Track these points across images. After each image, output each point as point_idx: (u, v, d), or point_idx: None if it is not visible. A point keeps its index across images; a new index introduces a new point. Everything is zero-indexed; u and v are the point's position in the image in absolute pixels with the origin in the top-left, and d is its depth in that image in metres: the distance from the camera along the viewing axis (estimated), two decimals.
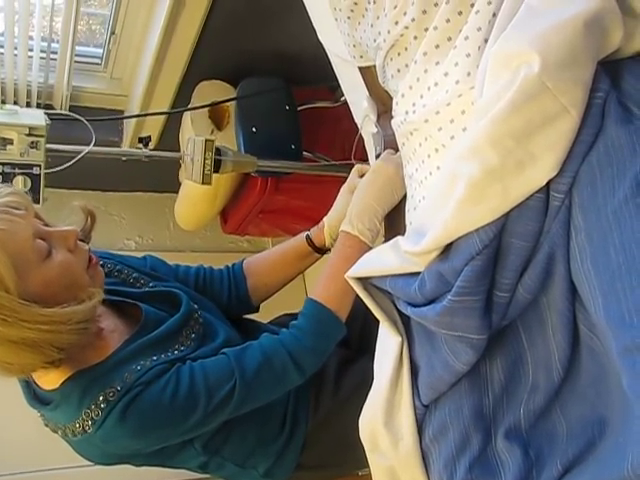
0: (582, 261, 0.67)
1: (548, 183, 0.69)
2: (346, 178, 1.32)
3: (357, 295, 0.98)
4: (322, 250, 1.36)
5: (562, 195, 0.69)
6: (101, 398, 0.98)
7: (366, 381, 1.14)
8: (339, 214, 1.29)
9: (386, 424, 0.92)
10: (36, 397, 1.07)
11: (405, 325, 0.95)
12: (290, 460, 1.23)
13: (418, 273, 0.83)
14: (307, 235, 1.36)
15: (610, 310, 0.62)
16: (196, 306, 1.19)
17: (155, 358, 1.05)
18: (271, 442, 1.21)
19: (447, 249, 0.78)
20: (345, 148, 2.47)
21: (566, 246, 0.70)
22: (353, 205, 1.20)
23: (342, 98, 2.32)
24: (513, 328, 0.81)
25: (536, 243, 0.72)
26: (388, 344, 0.93)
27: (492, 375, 0.83)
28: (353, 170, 1.31)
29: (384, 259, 0.89)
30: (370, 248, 1.16)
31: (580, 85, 0.67)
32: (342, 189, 1.32)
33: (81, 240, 1.07)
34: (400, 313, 0.94)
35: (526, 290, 0.75)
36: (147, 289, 1.20)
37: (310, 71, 2.31)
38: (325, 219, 1.34)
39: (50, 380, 1.03)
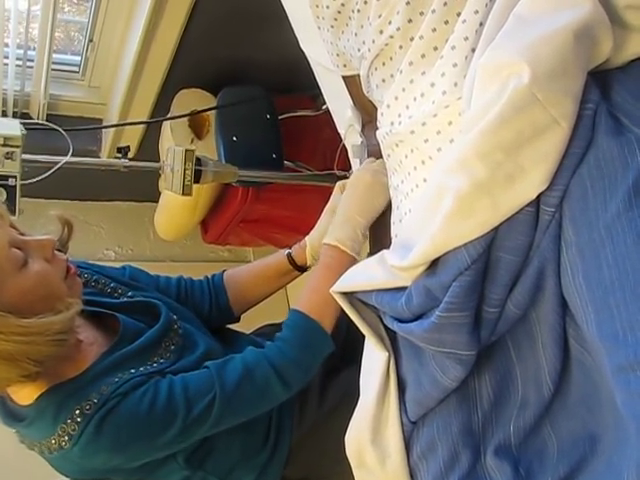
0: (573, 276, 0.65)
1: (538, 196, 0.68)
2: (327, 188, 1.30)
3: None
4: (303, 268, 1.35)
5: (552, 209, 0.67)
6: (77, 412, 0.95)
7: (351, 392, 1.12)
8: (321, 234, 1.28)
9: (373, 441, 0.91)
10: (10, 414, 1.04)
11: (391, 340, 0.93)
12: (274, 473, 1.21)
13: (405, 288, 0.82)
14: (289, 252, 1.35)
15: (603, 327, 0.61)
16: (175, 317, 1.16)
17: (133, 371, 1.02)
18: (255, 455, 1.18)
19: (434, 264, 0.77)
20: (326, 156, 2.46)
21: (557, 260, 0.68)
22: (335, 218, 1.19)
23: (324, 107, 2.31)
24: (502, 343, 0.80)
25: (526, 257, 0.71)
26: (374, 360, 0.91)
27: (481, 391, 0.82)
28: (335, 189, 1.30)
29: (370, 273, 0.88)
30: (352, 258, 1.15)
31: (570, 96, 0.65)
32: (325, 209, 1.31)
33: (58, 250, 1.05)
34: (386, 328, 0.93)
35: (516, 305, 0.73)
36: (125, 299, 1.17)
37: (291, 79, 2.31)
38: (307, 238, 1.33)
39: (25, 395, 1.00)
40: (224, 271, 1.39)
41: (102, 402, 0.95)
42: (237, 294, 1.36)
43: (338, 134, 1.35)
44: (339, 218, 1.18)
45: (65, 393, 0.98)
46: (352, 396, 0.96)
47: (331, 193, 1.32)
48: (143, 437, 0.99)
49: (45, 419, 0.97)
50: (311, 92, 2.42)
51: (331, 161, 2.47)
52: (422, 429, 0.87)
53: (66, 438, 0.95)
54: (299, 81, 2.13)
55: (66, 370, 1.00)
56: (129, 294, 1.18)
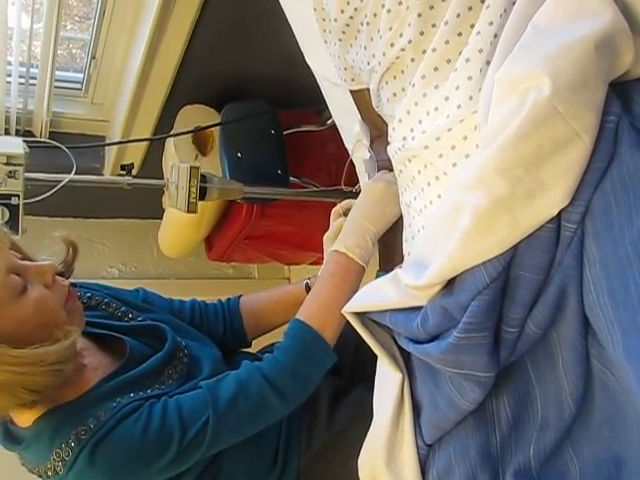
0: (597, 295, 0.63)
1: (559, 213, 0.66)
2: (333, 204, 1.28)
3: (348, 322, 0.95)
4: None
5: (574, 225, 0.65)
6: (72, 437, 0.92)
7: (361, 413, 1.08)
8: None
9: (388, 464, 0.88)
10: (10, 436, 1.02)
11: (405, 361, 0.91)
12: None
13: (420, 307, 0.79)
14: (307, 282, 1.34)
15: (630, 347, 0.59)
16: (183, 343, 1.14)
17: (132, 395, 1.00)
18: (262, 479, 1.15)
19: (451, 283, 0.74)
20: (331, 172, 2.45)
21: (579, 278, 0.66)
22: (345, 225, 1.17)
23: (328, 121, 2.30)
24: (520, 364, 0.77)
25: (547, 276, 0.69)
26: (388, 381, 0.89)
27: (499, 413, 0.80)
28: (332, 215, 1.27)
29: (383, 293, 0.85)
30: (360, 266, 1.12)
31: (592, 109, 0.63)
32: (325, 237, 1.27)
33: (61, 274, 1.03)
34: (400, 348, 0.90)
35: (536, 325, 0.71)
36: (134, 323, 1.15)
37: (295, 95, 2.30)
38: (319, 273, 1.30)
39: (25, 418, 0.98)
40: (240, 296, 1.38)
41: (98, 428, 0.93)
42: (252, 320, 1.35)
43: (343, 149, 1.33)
44: (349, 225, 1.15)
45: (62, 417, 0.96)
46: (362, 417, 0.94)
47: None
48: (138, 463, 0.96)
49: (41, 443, 0.95)
50: (315, 107, 2.41)
51: (336, 176, 2.46)
52: (438, 452, 0.85)
53: (61, 464, 0.93)
54: (303, 96, 2.12)
55: (66, 393, 0.98)
56: (139, 318, 1.16)
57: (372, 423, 0.92)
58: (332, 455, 1.19)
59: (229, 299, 1.37)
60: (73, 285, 1.09)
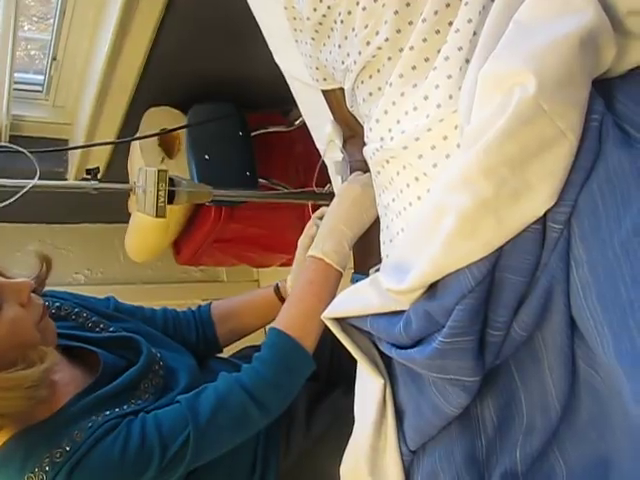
0: (586, 296, 0.62)
1: (545, 213, 0.65)
2: (302, 205, 1.26)
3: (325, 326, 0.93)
4: None
5: (560, 225, 0.64)
6: (47, 460, 0.88)
7: (339, 417, 1.07)
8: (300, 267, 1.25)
9: (371, 472, 0.87)
10: None
11: (386, 366, 0.89)
12: None
13: (402, 312, 0.78)
14: (276, 285, 1.34)
15: (622, 349, 0.58)
16: (159, 355, 1.11)
17: (108, 413, 0.96)
18: None
19: (434, 286, 0.73)
20: (299, 173, 2.44)
21: (566, 280, 0.65)
22: (320, 229, 1.15)
23: (296, 122, 2.29)
24: (504, 366, 0.76)
25: (532, 278, 0.67)
26: (369, 388, 0.87)
27: (484, 416, 0.79)
28: (310, 221, 1.26)
29: (363, 297, 0.83)
30: (338, 272, 1.11)
31: (577, 107, 0.62)
32: (299, 242, 1.27)
33: (34, 290, 0.99)
34: (381, 353, 0.88)
35: (521, 327, 0.70)
36: (107, 334, 1.11)
37: (262, 95, 2.28)
38: (289, 276, 1.31)
39: None
40: (211, 303, 1.37)
41: (74, 450, 0.89)
42: (225, 326, 1.34)
43: (311, 150, 1.31)
44: (325, 229, 1.13)
45: (34, 438, 0.91)
46: (340, 421, 0.93)
47: (306, 210, 1.28)
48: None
49: (12, 466, 0.91)
50: (283, 108, 2.40)
51: (305, 177, 2.46)
52: (423, 458, 0.84)
53: None
54: (270, 97, 2.11)
55: (38, 412, 0.94)
56: (111, 329, 1.13)
57: (354, 430, 0.91)
58: (311, 461, 1.18)
59: (200, 307, 1.36)
60: (43, 295, 1.06)
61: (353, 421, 0.92)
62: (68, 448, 0.89)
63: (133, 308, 1.28)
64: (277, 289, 1.33)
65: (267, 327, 1.15)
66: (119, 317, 1.19)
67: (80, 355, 1.07)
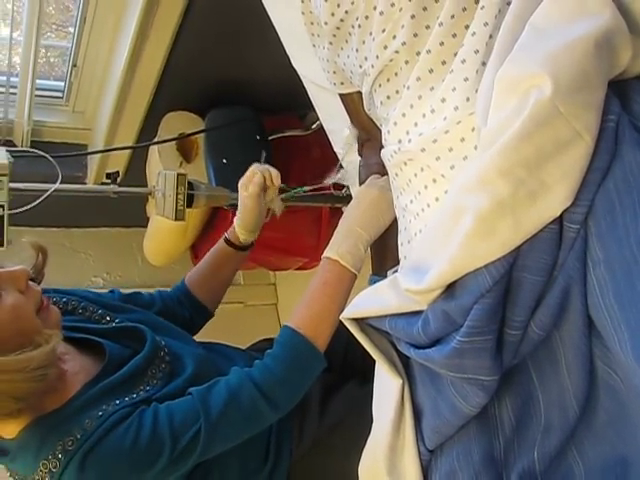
0: (603, 295, 0.62)
1: (562, 213, 0.65)
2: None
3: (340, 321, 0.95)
4: (244, 247, 1.43)
5: (577, 225, 0.65)
6: (59, 448, 0.91)
7: (352, 408, 1.08)
8: (244, 207, 1.35)
9: (389, 472, 0.87)
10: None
11: (404, 366, 0.90)
12: None
13: (420, 312, 0.78)
14: (225, 237, 1.43)
15: (639, 347, 0.58)
16: (163, 342, 1.13)
17: (118, 402, 0.98)
18: (253, 476, 1.14)
19: (452, 286, 0.74)
20: (316, 176, 2.44)
21: (583, 279, 0.65)
22: (337, 231, 1.16)
23: (313, 126, 2.30)
24: (522, 366, 0.76)
25: (550, 277, 0.68)
26: (388, 387, 0.88)
27: (502, 416, 0.79)
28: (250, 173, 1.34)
29: (382, 298, 0.84)
30: (352, 274, 1.12)
31: (593, 108, 0.63)
32: (239, 184, 1.36)
33: (32, 279, 1.02)
34: (399, 353, 0.89)
35: (539, 327, 0.71)
36: (112, 325, 1.15)
37: (279, 99, 2.29)
38: (235, 218, 1.40)
39: (10, 430, 0.97)
40: (183, 279, 1.45)
41: (85, 438, 0.92)
42: (204, 290, 1.42)
43: (329, 153, 1.33)
44: (342, 231, 1.15)
45: (48, 427, 0.94)
46: (354, 412, 0.93)
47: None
48: (129, 473, 0.94)
49: (27, 454, 0.94)
50: (299, 111, 2.40)
51: (320, 180, 2.46)
52: (441, 458, 0.84)
53: (48, 475, 0.91)
54: (287, 101, 2.12)
55: (49, 402, 0.97)
56: (117, 320, 1.16)
57: (372, 430, 0.91)
58: (324, 451, 1.19)
59: (176, 285, 1.43)
60: (47, 291, 1.09)
61: (367, 412, 0.94)
62: (79, 436, 0.92)
63: (137, 295, 1.34)
64: (227, 240, 1.42)
65: (281, 324, 1.16)
66: (125, 308, 1.22)
67: (88, 346, 1.10)
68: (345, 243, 1.12)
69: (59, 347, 1.01)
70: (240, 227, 1.38)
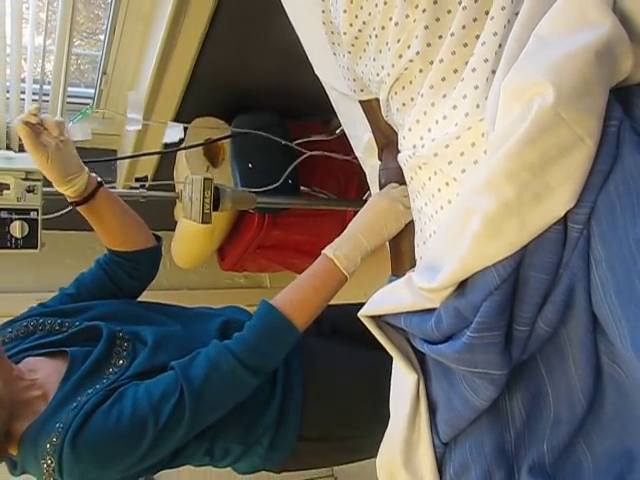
0: (605, 293, 0.65)
1: (565, 214, 0.68)
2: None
3: None
4: (87, 196, 1.35)
5: (580, 226, 0.68)
6: (49, 447, 0.98)
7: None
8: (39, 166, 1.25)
9: (405, 464, 0.90)
10: (13, 465, 1.08)
11: (420, 362, 0.93)
12: (291, 428, 1.24)
13: (433, 309, 0.82)
14: (70, 202, 1.35)
15: (638, 342, 0.61)
16: (118, 327, 1.19)
17: (90, 391, 1.05)
18: (266, 405, 1.22)
19: (463, 284, 0.77)
20: (340, 180, 2.47)
21: (587, 277, 0.68)
22: (343, 233, 1.20)
23: (337, 131, 2.33)
24: (532, 361, 0.79)
25: (555, 275, 0.71)
26: (404, 382, 0.91)
27: (512, 410, 0.81)
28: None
29: (398, 296, 0.88)
30: (343, 276, 1.16)
31: (594, 114, 0.66)
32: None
33: None
34: (415, 349, 0.92)
35: (546, 323, 0.73)
36: (71, 330, 1.19)
37: (304, 105, 2.32)
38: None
39: (14, 448, 1.04)
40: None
41: (66, 429, 0.98)
42: (118, 243, 1.41)
43: (352, 158, 1.35)
44: (345, 234, 1.19)
45: (36, 432, 1.01)
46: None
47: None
48: (120, 450, 1.01)
49: (30, 462, 1.01)
50: (323, 117, 2.43)
51: (345, 185, 2.49)
52: (454, 450, 0.87)
53: (52, 473, 0.98)
54: (311, 106, 2.15)
55: (38, 408, 1.04)
56: (76, 323, 1.21)
57: (389, 424, 0.95)
58: (335, 391, 1.29)
59: (98, 259, 1.43)
60: (3, 328, 1.19)
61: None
62: (61, 429, 0.98)
63: (79, 284, 1.36)
64: (72, 202, 1.35)
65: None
66: (80, 309, 1.27)
67: (55, 355, 1.15)
68: (344, 246, 1.17)
69: (29, 364, 1.11)
70: (56, 184, 1.29)
